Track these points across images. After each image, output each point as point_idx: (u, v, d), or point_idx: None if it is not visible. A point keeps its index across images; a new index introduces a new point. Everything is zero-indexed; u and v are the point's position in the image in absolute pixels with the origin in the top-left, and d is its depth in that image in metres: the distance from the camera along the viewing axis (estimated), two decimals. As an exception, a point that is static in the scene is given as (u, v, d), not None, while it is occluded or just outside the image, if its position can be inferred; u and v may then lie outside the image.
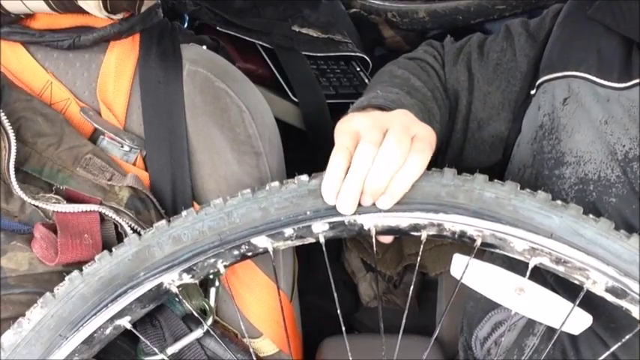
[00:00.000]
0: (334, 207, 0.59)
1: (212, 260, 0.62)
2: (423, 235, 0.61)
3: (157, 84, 0.80)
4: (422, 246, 0.62)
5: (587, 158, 0.75)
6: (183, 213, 0.62)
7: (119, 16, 0.78)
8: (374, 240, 0.61)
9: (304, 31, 1.35)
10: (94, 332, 0.61)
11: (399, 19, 1.66)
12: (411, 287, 0.66)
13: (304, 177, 0.61)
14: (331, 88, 1.29)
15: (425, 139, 0.60)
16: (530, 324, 0.81)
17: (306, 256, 1.16)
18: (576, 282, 0.60)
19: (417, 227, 0.60)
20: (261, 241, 0.62)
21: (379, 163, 0.57)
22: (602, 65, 0.76)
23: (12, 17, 0.78)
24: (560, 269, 0.59)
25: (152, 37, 0.83)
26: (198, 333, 0.72)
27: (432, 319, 1.18)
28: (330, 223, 0.61)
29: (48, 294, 0.61)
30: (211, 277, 0.77)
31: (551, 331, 0.79)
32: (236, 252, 0.62)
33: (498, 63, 0.88)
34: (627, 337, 0.59)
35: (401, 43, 1.71)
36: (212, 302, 0.77)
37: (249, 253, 0.63)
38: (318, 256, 1.24)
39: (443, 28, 1.69)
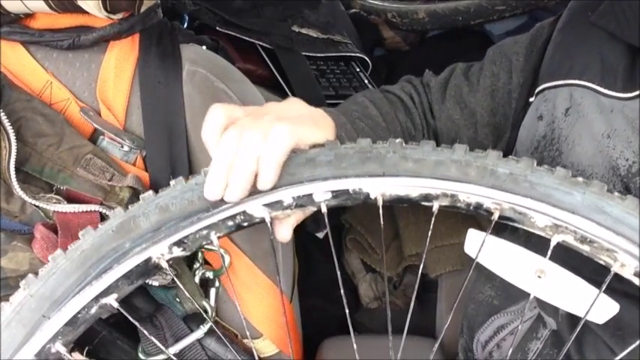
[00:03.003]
0: (333, 175, 0.57)
1: (204, 232, 0.59)
2: (435, 205, 0.57)
3: (156, 84, 0.80)
4: (433, 218, 0.57)
5: (588, 172, 0.72)
6: (172, 182, 0.59)
7: (119, 16, 0.78)
8: (380, 210, 0.58)
9: (304, 31, 1.35)
10: (79, 312, 0.58)
11: (398, 19, 1.67)
12: (415, 287, 0.63)
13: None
14: (331, 88, 1.30)
15: (303, 115, 0.61)
16: (534, 328, 0.80)
17: (306, 256, 1.16)
18: (602, 263, 0.55)
19: (428, 197, 0.57)
20: (258, 211, 0.58)
21: (239, 152, 0.56)
22: (605, 74, 0.73)
23: (12, 17, 0.78)
24: (585, 249, 0.54)
25: (152, 37, 0.82)
26: (199, 333, 0.73)
27: (431, 319, 1.17)
28: (332, 191, 0.57)
29: (30, 275, 0.58)
30: (211, 276, 0.77)
31: (555, 335, 0.79)
32: (230, 222, 0.59)
33: (494, 89, 0.85)
34: (635, 344, 0.56)
35: (401, 43, 1.72)
36: (212, 302, 0.77)
37: (245, 224, 0.59)
38: (318, 256, 1.24)
39: (443, 29, 1.70)
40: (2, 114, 0.71)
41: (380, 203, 0.57)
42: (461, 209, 0.57)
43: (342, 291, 0.59)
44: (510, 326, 0.82)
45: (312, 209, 0.60)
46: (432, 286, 1.21)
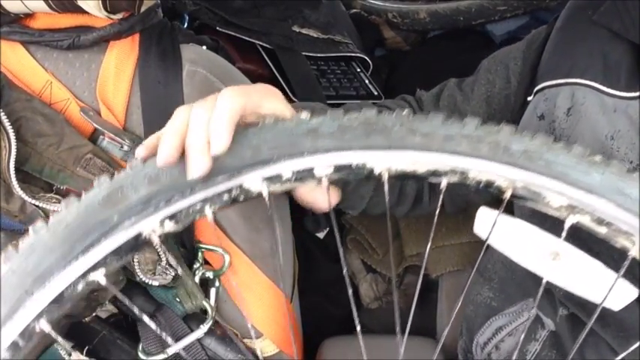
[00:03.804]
0: (336, 147, 0.54)
1: (199, 205, 0.54)
2: (443, 182, 0.54)
3: (156, 84, 0.80)
4: (441, 196, 0.54)
5: None
6: None
7: (119, 16, 0.78)
8: (386, 186, 0.54)
9: (304, 31, 1.35)
10: (65, 289, 0.53)
11: (399, 19, 1.67)
12: (417, 288, 0.62)
13: (304, 115, 0.55)
14: (331, 88, 1.30)
15: (254, 86, 0.59)
16: (532, 329, 0.80)
17: (306, 256, 1.16)
18: (619, 247, 0.52)
19: (436, 173, 0.54)
20: (255, 184, 0.54)
21: (189, 126, 0.54)
22: (608, 73, 0.72)
23: (12, 17, 0.78)
24: (601, 231, 0.52)
25: (152, 37, 0.82)
26: (199, 333, 0.73)
27: (432, 320, 1.17)
28: (334, 165, 0.54)
29: (10, 248, 0.54)
30: (211, 276, 0.77)
31: (553, 337, 0.79)
32: (226, 196, 0.55)
33: (489, 95, 0.84)
34: (634, 346, 0.56)
35: (401, 43, 1.72)
36: (212, 302, 0.77)
37: (242, 197, 0.55)
38: (319, 256, 1.24)
39: (444, 29, 1.70)
40: (2, 114, 0.71)
41: (385, 178, 0.54)
42: (470, 187, 0.54)
43: (349, 290, 0.56)
44: (509, 327, 0.82)
45: (313, 183, 0.56)
46: (433, 286, 1.21)
